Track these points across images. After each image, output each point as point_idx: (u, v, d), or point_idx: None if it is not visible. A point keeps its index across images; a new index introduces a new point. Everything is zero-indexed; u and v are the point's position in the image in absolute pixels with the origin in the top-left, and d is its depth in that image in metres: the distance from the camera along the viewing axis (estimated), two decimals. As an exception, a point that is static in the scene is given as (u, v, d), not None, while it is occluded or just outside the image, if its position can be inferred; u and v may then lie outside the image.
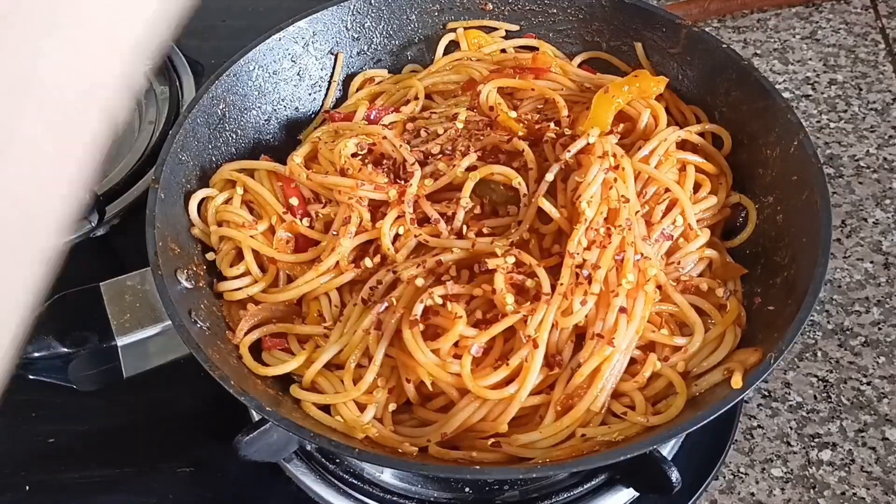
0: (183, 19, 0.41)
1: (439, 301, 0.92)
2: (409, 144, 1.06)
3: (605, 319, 0.91)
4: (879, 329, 1.14)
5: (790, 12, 1.55)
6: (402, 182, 1.01)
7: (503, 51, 1.22)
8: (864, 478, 1.02)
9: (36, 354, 0.99)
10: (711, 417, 0.84)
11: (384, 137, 1.05)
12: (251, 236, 1.02)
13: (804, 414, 1.08)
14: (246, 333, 0.97)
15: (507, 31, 1.25)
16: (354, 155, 1.04)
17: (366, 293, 0.97)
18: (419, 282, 0.94)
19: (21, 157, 0.38)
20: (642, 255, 0.95)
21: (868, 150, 1.34)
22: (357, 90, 1.21)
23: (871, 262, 1.21)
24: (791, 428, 1.06)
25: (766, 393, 1.09)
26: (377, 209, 1.01)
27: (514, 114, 1.07)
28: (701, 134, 1.10)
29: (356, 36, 1.22)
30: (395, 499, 0.99)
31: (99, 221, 1.21)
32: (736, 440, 1.05)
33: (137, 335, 1.00)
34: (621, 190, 0.98)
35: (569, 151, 1.00)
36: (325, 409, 0.93)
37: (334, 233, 1.00)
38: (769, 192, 1.04)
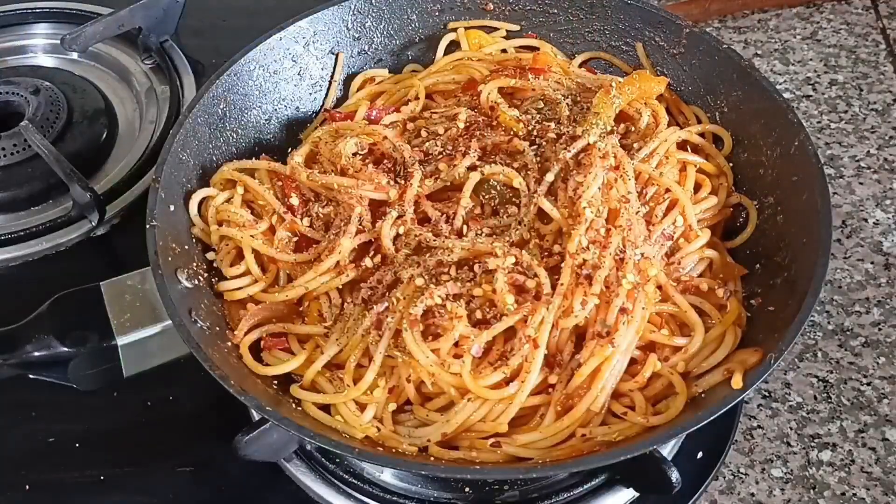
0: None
1: (439, 301, 0.92)
2: (410, 144, 1.06)
3: (605, 319, 0.91)
4: (880, 329, 1.14)
5: (791, 13, 1.55)
6: (403, 182, 1.01)
7: (504, 51, 1.22)
8: (864, 478, 1.02)
9: (36, 354, 0.99)
10: (711, 418, 0.84)
11: (385, 137, 1.05)
12: (251, 236, 1.02)
13: (804, 414, 1.08)
14: (246, 333, 0.97)
15: (507, 30, 1.25)
16: (355, 154, 1.04)
17: (366, 293, 0.97)
18: (419, 282, 0.94)
19: None
20: (643, 255, 0.95)
21: (868, 151, 1.34)
22: (358, 90, 1.21)
23: (872, 263, 1.21)
24: (791, 428, 1.06)
25: (767, 393, 1.09)
26: (377, 209, 1.01)
27: (514, 113, 1.07)
28: (701, 134, 1.10)
29: (357, 36, 1.22)
30: (395, 499, 0.99)
31: (99, 221, 1.22)
32: (736, 440, 1.05)
33: (137, 334, 1.00)
34: (622, 190, 0.98)
35: (569, 151, 1.00)
36: (326, 408, 0.93)
37: (334, 233, 1.00)
38: (769, 192, 1.04)
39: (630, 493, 0.98)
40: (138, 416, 1.08)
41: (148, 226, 0.96)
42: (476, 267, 0.95)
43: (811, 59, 1.47)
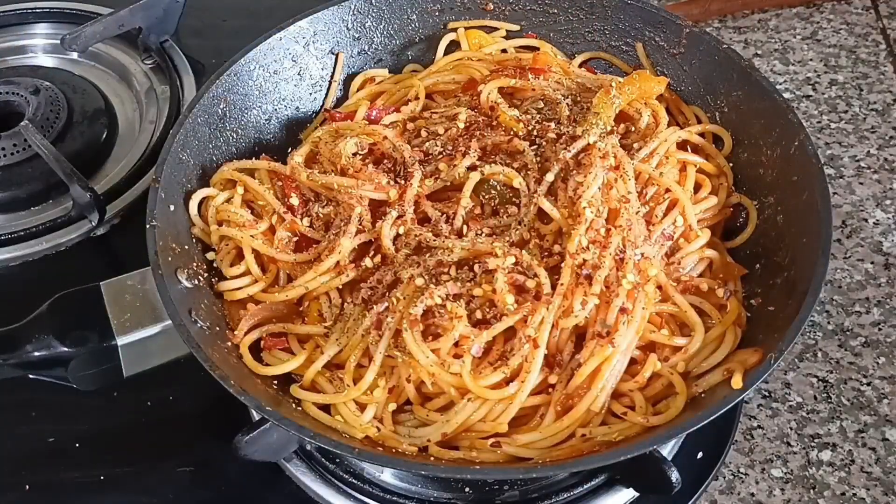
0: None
1: (439, 301, 0.92)
2: (410, 144, 1.06)
3: (605, 319, 0.91)
4: (880, 329, 1.14)
5: (791, 13, 1.55)
6: (403, 182, 1.01)
7: (504, 51, 1.22)
8: (864, 478, 1.02)
9: (36, 354, 0.99)
10: (711, 418, 0.84)
11: (385, 137, 1.05)
12: (251, 236, 1.02)
13: (804, 414, 1.08)
14: (246, 333, 0.97)
15: (507, 30, 1.25)
16: (355, 154, 1.04)
17: (366, 293, 0.97)
18: (419, 282, 0.94)
19: None
20: (643, 255, 0.95)
21: (869, 151, 1.34)
22: (358, 90, 1.21)
23: (872, 263, 1.21)
24: (791, 428, 1.06)
25: (767, 393, 1.09)
26: (377, 209, 1.01)
27: (514, 113, 1.07)
28: (701, 134, 1.10)
29: (357, 35, 1.22)
30: (395, 499, 0.99)
31: (99, 221, 1.22)
32: (736, 440, 1.05)
33: (138, 335, 1.00)
34: (622, 190, 0.98)
35: (569, 151, 1.00)
36: (326, 408, 0.93)
37: (334, 233, 1.00)
38: (769, 192, 1.04)
39: (630, 493, 0.98)
40: (138, 416, 1.08)
41: (148, 226, 0.96)
42: (476, 267, 0.95)
43: (811, 59, 1.47)
